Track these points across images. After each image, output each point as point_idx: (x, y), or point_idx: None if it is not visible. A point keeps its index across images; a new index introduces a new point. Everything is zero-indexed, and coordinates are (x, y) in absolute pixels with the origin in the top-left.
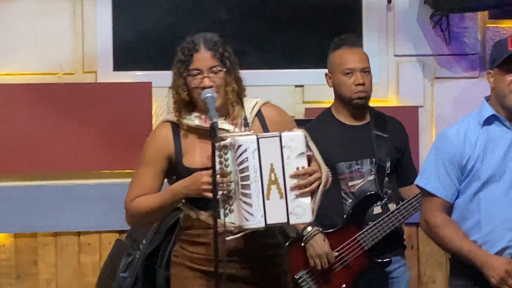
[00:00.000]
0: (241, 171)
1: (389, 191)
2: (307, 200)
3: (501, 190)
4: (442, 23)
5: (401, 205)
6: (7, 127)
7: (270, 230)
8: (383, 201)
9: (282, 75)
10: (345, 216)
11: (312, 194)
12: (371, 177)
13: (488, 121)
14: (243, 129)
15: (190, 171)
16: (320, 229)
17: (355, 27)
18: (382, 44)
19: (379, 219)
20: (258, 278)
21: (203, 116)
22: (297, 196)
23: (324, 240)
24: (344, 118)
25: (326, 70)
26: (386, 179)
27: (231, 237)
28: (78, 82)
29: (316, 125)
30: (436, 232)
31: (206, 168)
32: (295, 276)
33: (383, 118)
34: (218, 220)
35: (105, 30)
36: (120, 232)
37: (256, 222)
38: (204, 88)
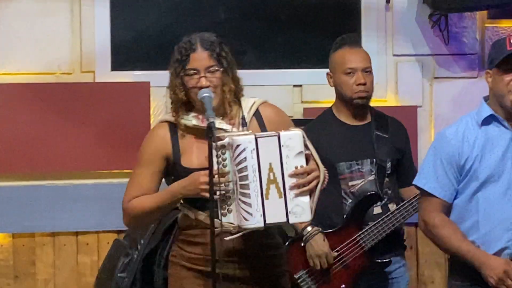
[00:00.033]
0: (240, 171)
1: (389, 192)
2: (306, 199)
3: (499, 191)
4: (441, 22)
5: (401, 206)
6: (4, 126)
7: (269, 231)
8: (383, 201)
9: (280, 74)
10: (345, 216)
11: (311, 193)
12: (372, 177)
13: (487, 121)
14: (241, 128)
15: (188, 171)
16: (320, 229)
17: (354, 26)
18: (381, 44)
19: (379, 219)
20: (257, 279)
21: (200, 116)
22: (296, 195)
23: (324, 240)
24: (345, 118)
25: (325, 70)
26: (387, 179)
27: (230, 237)
28: (76, 81)
29: (317, 124)
30: (435, 232)
31: (204, 168)
32: (295, 276)
33: (384, 118)
34: (217, 220)
35: (103, 30)
36: (118, 232)
37: (255, 222)
38: (201, 88)
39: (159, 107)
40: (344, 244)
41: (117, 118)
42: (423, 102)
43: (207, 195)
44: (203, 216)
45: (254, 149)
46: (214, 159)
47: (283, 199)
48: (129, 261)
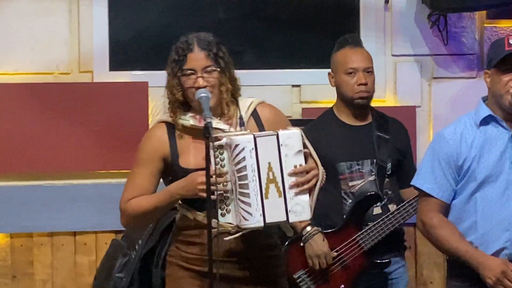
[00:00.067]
0: (239, 170)
1: (390, 192)
2: (306, 197)
3: (497, 191)
4: (440, 23)
5: (401, 206)
6: (2, 126)
7: (267, 231)
8: (383, 202)
9: (279, 75)
10: (345, 216)
11: (310, 191)
12: (372, 178)
13: (485, 121)
14: (238, 128)
15: (186, 172)
16: (320, 229)
17: (353, 27)
18: (380, 44)
19: (379, 220)
20: (255, 279)
21: (198, 116)
22: (296, 194)
23: (323, 240)
24: (346, 118)
25: (323, 70)
26: (387, 180)
27: (230, 237)
28: (74, 81)
29: (318, 124)
30: (433, 233)
31: (202, 169)
32: (294, 276)
33: (385, 119)
34: (216, 221)
35: (101, 30)
36: (116, 232)
37: (255, 221)
38: (198, 88)
39: (157, 107)
40: (343, 244)
41: (115, 118)
42: (422, 102)
43: (205, 195)
44: (201, 216)
45: (253, 149)
46: (212, 159)
47: (282, 198)
48: (127, 261)
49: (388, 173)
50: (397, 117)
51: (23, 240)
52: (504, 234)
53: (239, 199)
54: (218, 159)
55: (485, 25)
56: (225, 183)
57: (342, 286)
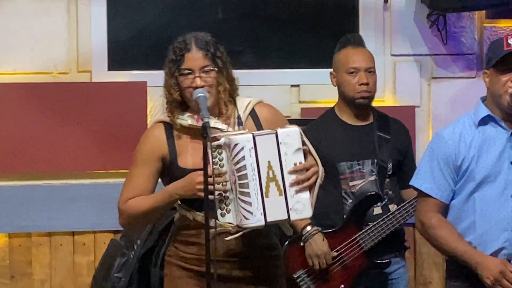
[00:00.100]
0: (238, 170)
1: (390, 192)
2: (307, 195)
3: (496, 191)
4: (439, 22)
5: (401, 206)
6: (0, 126)
7: (267, 231)
8: (384, 202)
9: (278, 74)
10: (345, 216)
11: (310, 188)
12: (372, 178)
13: (484, 121)
14: (236, 128)
15: (184, 172)
16: (320, 229)
17: (352, 26)
18: (379, 44)
19: (379, 220)
20: (254, 279)
21: (195, 116)
22: (297, 191)
23: (323, 240)
24: (347, 118)
25: (322, 70)
26: (387, 180)
27: (230, 237)
28: (72, 81)
29: (319, 124)
30: (431, 233)
31: (201, 169)
32: (294, 276)
33: (386, 119)
34: (216, 221)
35: (99, 29)
36: (115, 232)
37: (256, 220)
38: (195, 88)
39: (156, 107)
40: (343, 244)
41: (114, 118)
42: (421, 102)
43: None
44: (200, 216)
45: (252, 148)
46: (211, 159)
47: (283, 196)
48: (126, 261)
49: (389, 173)
50: (396, 117)
51: (21, 240)
52: (503, 234)
53: (239, 199)
54: (216, 159)
55: (485, 25)
56: (224, 183)
57: (342, 286)
